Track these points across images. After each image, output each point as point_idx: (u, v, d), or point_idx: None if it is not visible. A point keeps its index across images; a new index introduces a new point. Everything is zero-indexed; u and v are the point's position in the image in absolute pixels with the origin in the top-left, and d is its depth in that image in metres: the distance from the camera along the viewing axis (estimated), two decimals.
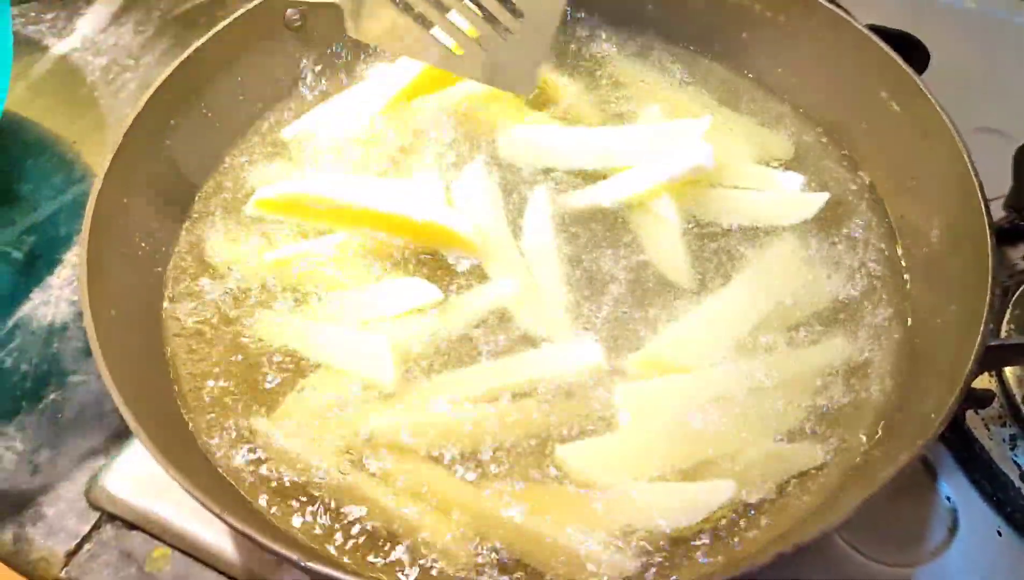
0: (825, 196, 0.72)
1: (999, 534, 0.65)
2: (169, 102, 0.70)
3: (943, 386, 0.52)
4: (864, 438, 0.60)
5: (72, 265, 0.80)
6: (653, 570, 0.55)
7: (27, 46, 1.00)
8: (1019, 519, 0.65)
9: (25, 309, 0.79)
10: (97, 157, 0.89)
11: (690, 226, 0.71)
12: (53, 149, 0.91)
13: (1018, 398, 0.69)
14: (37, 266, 0.82)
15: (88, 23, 1.03)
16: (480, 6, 0.66)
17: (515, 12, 0.66)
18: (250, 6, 0.75)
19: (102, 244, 0.61)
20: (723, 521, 0.57)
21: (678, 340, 0.65)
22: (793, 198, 0.72)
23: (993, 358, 0.63)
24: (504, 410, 0.61)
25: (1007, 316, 0.74)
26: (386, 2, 0.67)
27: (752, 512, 0.57)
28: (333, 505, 0.58)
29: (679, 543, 0.56)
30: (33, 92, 0.96)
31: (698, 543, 0.56)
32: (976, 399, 0.68)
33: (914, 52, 0.81)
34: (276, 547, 0.47)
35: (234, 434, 0.61)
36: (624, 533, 0.56)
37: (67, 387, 0.74)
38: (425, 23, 0.68)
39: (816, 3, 0.74)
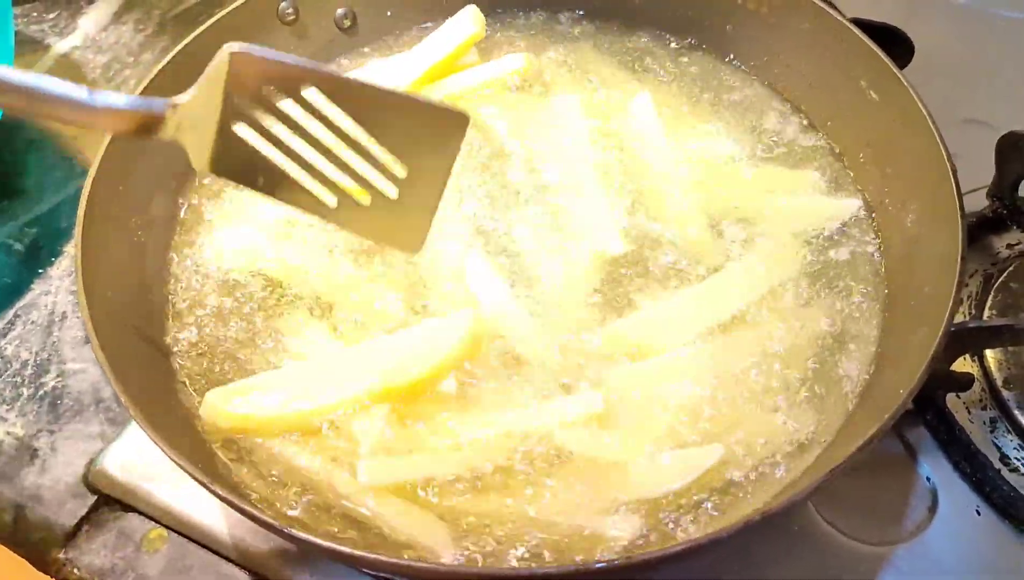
0: (857, 201, 0.73)
1: (978, 513, 0.66)
2: (164, 92, 0.71)
3: (913, 365, 0.54)
4: (841, 415, 0.61)
5: (73, 257, 0.82)
6: (644, 542, 0.56)
7: (30, 44, 1.02)
8: (998, 499, 0.66)
9: (26, 299, 0.81)
10: (97, 152, 0.91)
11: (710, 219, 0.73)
12: (55, 144, 0.93)
13: (998, 382, 0.70)
14: (38, 258, 0.84)
15: (89, 22, 1.05)
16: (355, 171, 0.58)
17: (395, 181, 0.58)
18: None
19: (97, 228, 0.63)
20: (710, 493, 0.59)
21: (654, 320, 0.66)
22: (825, 203, 0.74)
23: (964, 341, 0.64)
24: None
25: (989, 301, 0.75)
26: (242, 140, 0.56)
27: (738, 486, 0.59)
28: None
29: (672, 512, 0.58)
30: None
31: (686, 516, 0.58)
32: (957, 383, 0.69)
33: (898, 44, 0.82)
34: (260, 515, 0.48)
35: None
36: (620, 504, 0.58)
37: (66, 374, 0.75)
38: (295, 169, 0.57)
39: None
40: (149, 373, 0.63)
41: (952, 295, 0.55)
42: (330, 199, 0.58)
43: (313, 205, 0.58)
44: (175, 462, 0.51)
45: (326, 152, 0.57)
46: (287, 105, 0.55)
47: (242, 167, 0.57)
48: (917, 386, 0.51)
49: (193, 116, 0.54)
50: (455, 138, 0.57)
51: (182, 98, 0.54)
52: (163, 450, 0.51)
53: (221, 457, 0.60)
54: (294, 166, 0.57)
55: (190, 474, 0.50)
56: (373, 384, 0.61)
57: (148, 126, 0.53)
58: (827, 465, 0.50)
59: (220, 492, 0.49)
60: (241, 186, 0.58)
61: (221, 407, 0.61)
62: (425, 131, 0.57)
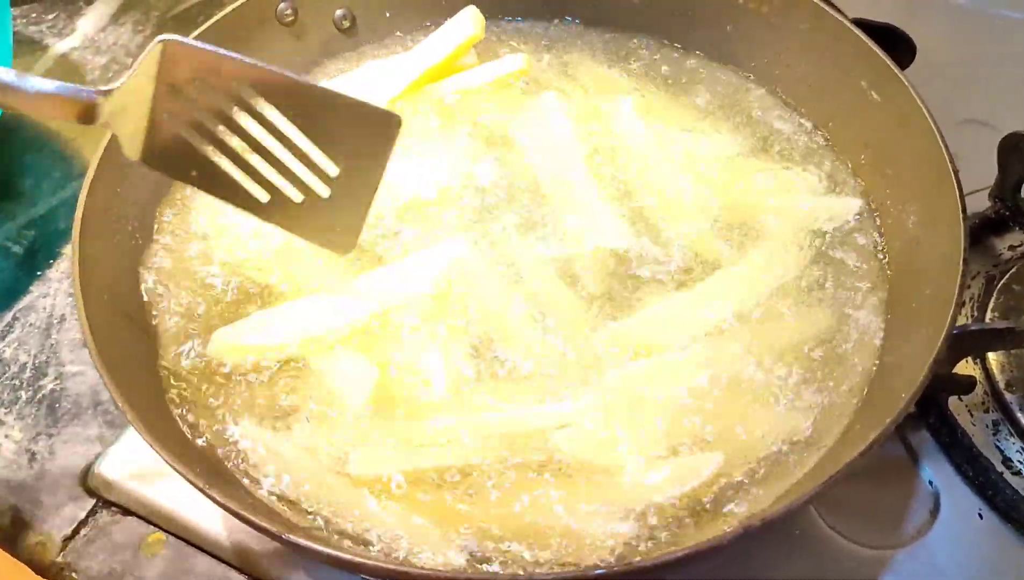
0: (858, 202, 0.72)
1: (980, 516, 0.66)
2: None
3: (915, 368, 0.53)
4: (842, 417, 0.61)
5: (71, 259, 0.82)
6: (641, 545, 0.56)
7: (28, 45, 1.02)
8: (1000, 503, 0.66)
9: (25, 301, 0.81)
10: (96, 153, 0.91)
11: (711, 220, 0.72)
12: (53, 145, 0.93)
13: (1000, 384, 0.70)
14: (36, 260, 0.83)
15: (88, 23, 1.05)
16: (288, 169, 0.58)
17: (327, 180, 0.58)
18: (243, 0, 0.76)
19: (94, 231, 0.63)
20: (709, 496, 0.58)
21: (653, 320, 0.66)
22: (826, 204, 0.73)
23: (966, 344, 0.64)
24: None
25: (992, 304, 0.75)
26: (174, 132, 0.56)
27: (738, 489, 0.58)
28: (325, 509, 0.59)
29: (666, 519, 0.57)
30: None
31: (686, 519, 0.57)
32: (959, 385, 0.69)
33: (899, 45, 0.82)
34: (256, 519, 0.48)
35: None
36: (615, 508, 0.57)
37: (65, 377, 0.75)
38: (227, 164, 0.58)
39: None
40: (147, 377, 0.62)
41: (954, 299, 0.54)
42: (262, 195, 0.58)
43: (246, 201, 0.59)
44: (173, 467, 0.51)
45: (259, 148, 0.57)
46: (219, 99, 0.55)
47: (175, 159, 0.57)
48: (919, 391, 0.51)
49: (124, 104, 0.54)
50: (388, 139, 0.57)
51: (113, 86, 0.54)
52: (161, 456, 0.51)
53: (221, 459, 0.60)
54: (226, 161, 0.57)
55: (187, 479, 0.50)
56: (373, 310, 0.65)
57: (80, 113, 0.53)
58: (827, 470, 0.49)
59: (218, 498, 0.49)
60: (175, 179, 0.59)
61: (230, 342, 0.64)
62: (359, 131, 0.57)
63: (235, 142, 0.57)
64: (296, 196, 0.58)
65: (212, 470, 0.58)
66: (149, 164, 0.57)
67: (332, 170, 0.58)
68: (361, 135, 0.57)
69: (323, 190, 0.58)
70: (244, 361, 0.64)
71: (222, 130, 0.56)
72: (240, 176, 0.58)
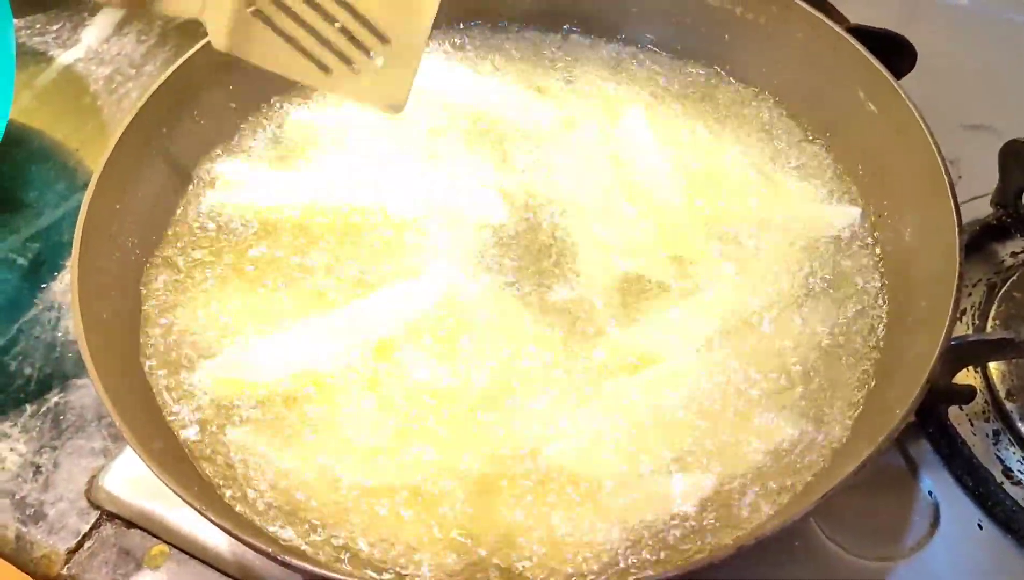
0: (856, 212, 0.72)
1: (980, 528, 0.66)
2: (163, 108, 0.71)
3: (910, 383, 0.53)
4: (839, 429, 0.61)
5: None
6: (632, 559, 0.56)
7: (33, 57, 1.03)
8: (1000, 513, 0.65)
9: (29, 314, 0.81)
10: (96, 168, 0.91)
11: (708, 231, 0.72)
12: (57, 157, 0.93)
13: (1001, 393, 0.70)
14: (41, 272, 0.84)
15: (92, 34, 1.05)
16: (345, 29, 0.63)
17: (381, 38, 0.63)
18: None
19: (94, 249, 0.63)
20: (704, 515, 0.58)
21: (650, 332, 0.66)
22: (823, 214, 0.73)
23: (964, 355, 0.64)
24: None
25: (992, 312, 0.74)
26: (251, 17, 0.62)
27: (731, 504, 0.58)
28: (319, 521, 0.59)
29: (658, 534, 0.57)
30: (39, 101, 0.98)
31: (678, 534, 0.57)
32: (959, 395, 0.69)
33: (900, 51, 0.81)
34: (252, 540, 0.48)
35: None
36: (607, 524, 0.57)
37: (69, 390, 0.76)
38: (293, 39, 0.64)
39: (795, 5, 0.74)
40: (146, 396, 0.63)
41: (948, 317, 0.54)
42: (329, 65, 0.64)
43: (307, 72, 0.64)
44: (173, 490, 0.51)
45: (311, 18, 0.63)
46: None
47: (254, 43, 0.63)
48: (913, 407, 0.51)
49: None
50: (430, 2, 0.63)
51: None
52: (160, 478, 0.51)
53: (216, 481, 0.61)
54: (294, 33, 0.63)
55: (187, 501, 0.51)
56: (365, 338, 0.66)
57: None
58: (823, 486, 0.49)
59: (213, 518, 0.49)
60: (253, 63, 0.64)
61: (222, 376, 0.65)
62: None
63: (292, 15, 0.62)
64: (355, 60, 0.64)
65: (211, 493, 0.58)
66: (231, 51, 0.63)
67: (380, 33, 0.63)
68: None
69: (377, 54, 0.64)
70: (239, 391, 0.65)
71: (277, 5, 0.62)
72: (307, 46, 0.63)
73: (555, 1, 0.85)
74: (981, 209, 0.80)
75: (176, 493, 0.51)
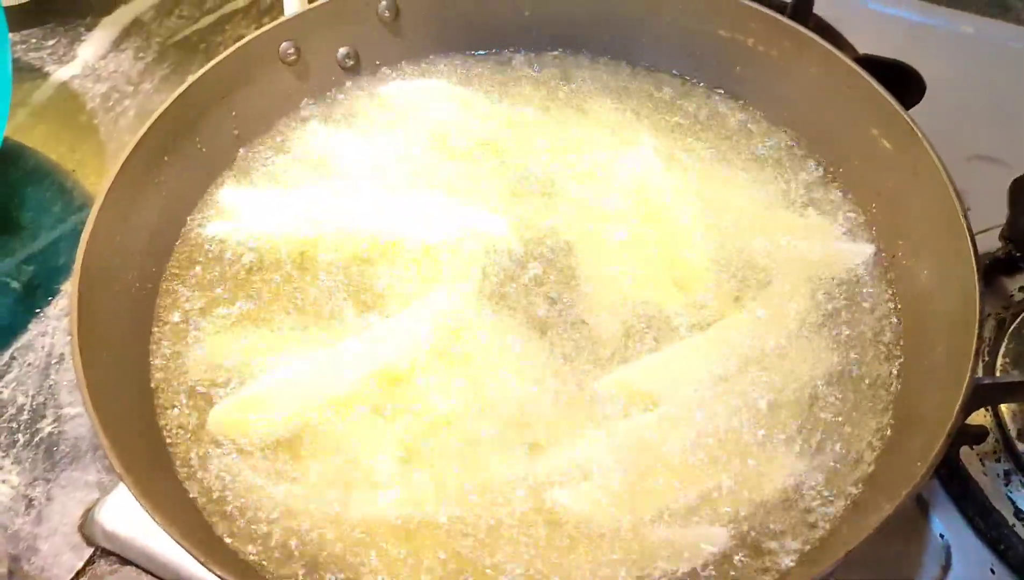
0: (870, 249, 0.71)
1: (992, 572, 0.65)
2: (164, 136, 0.70)
3: (929, 432, 0.52)
4: (854, 484, 0.59)
5: (70, 294, 0.80)
6: None
7: (29, 72, 1.01)
8: (1012, 557, 0.65)
9: (23, 340, 0.79)
10: (96, 185, 0.90)
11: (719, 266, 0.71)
12: (53, 177, 0.92)
13: (1012, 433, 0.69)
14: (36, 297, 0.82)
15: (89, 50, 1.04)
16: None
17: None
18: (245, 40, 0.74)
19: (95, 283, 0.62)
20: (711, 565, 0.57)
21: (655, 368, 0.65)
22: (837, 251, 0.72)
23: (978, 397, 0.63)
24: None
25: (1002, 349, 0.74)
26: None
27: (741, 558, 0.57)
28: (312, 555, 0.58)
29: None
30: (34, 119, 0.97)
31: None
32: (970, 435, 0.68)
33: (908, 81, 0.81)
34: None
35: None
36: (610, 571, 0.56)
37: (63, 419, 0.74)
38: None
39: (807, 38, 0.73)
40: (146, 433, 0.61)
41: (970, 367, 0.53)
42: None
43: None
44: (170, 535, 0.50)
45: None
46: None
47: None
48: (934, 463, 0.50)
49: None
50: None
51: None
52: (158, 522, 0.50)
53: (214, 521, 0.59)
54: None
55: (185, 547, 0.49)
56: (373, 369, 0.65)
57: None
58: (839, 547, 0.48)
59: (207, 563, 0.48)
60: None
61: (230, 418, 0.63)
62: None
63: None
64: None
65: (214, 540, 0.57)
66: None
67: None
68: None
69: None
70: (243, 429, 0.63)
71: None
72: None
73: (566, 30, 0.84)
74: (989, 242, 0.79)
75: (181, 545, 0.50)
